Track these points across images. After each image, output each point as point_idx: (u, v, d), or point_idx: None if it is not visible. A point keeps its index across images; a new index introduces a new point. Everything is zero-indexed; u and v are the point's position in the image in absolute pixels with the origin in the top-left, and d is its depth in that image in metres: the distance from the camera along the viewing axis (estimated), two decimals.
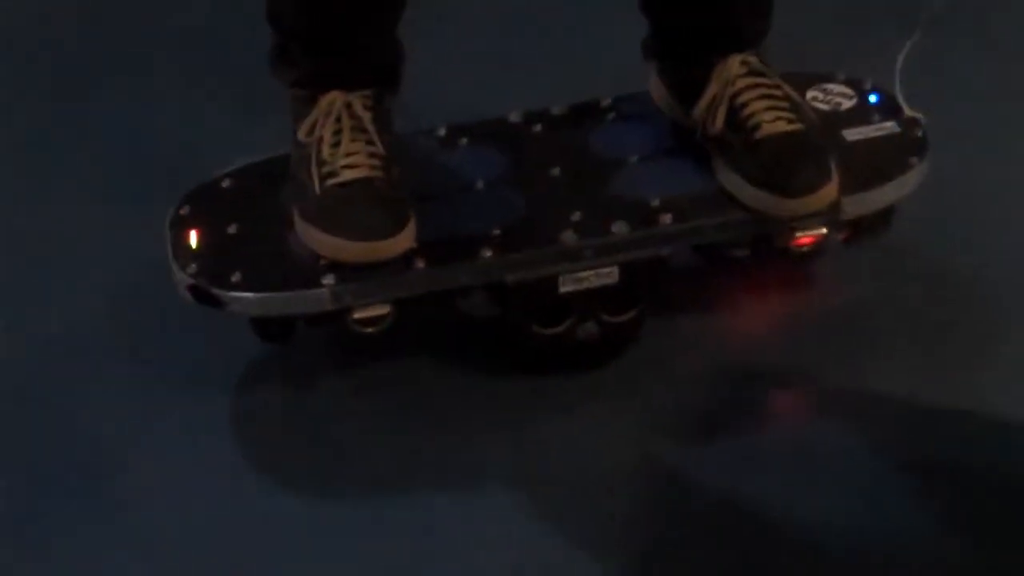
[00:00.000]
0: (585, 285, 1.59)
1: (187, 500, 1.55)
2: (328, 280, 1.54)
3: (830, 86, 1.75)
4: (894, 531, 1.48)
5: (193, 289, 1.56)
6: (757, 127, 1.61)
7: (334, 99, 1.60)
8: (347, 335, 1.58)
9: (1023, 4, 2.18)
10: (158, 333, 1.72)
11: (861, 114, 1.72)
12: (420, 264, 1.56)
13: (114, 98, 2.07)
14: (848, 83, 1.76)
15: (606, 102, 1.77)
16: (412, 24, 1.64)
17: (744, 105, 1.62)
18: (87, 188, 1.92)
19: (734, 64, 1.64)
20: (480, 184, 1.66)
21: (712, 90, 1.65)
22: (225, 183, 1.68)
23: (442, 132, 1.74)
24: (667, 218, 1.60)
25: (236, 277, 1.55)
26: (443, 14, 2.08)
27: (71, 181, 1.94)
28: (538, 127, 1.74)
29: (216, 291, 1.55)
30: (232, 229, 1.61)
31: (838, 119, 1.71)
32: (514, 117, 1.76)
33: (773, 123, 1.61)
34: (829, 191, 1.60)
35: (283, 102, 1.65)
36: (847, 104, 1.74)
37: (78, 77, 2.12)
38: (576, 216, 1.61)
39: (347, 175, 1.56)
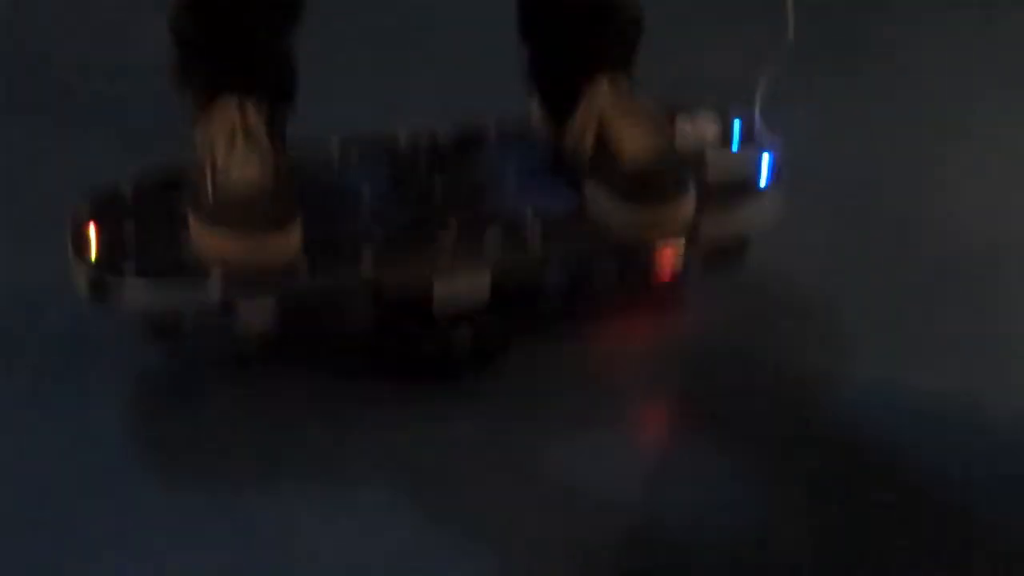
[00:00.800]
0: (457, 290, 1.70)
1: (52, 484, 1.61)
2: (215, 274, 1.64)
3: (696, 112, 1.87)
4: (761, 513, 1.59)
5: (90, 283, 1.66)
6: (621, 145, 1.73)
7: (228, 105, 1.71)
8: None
9: (885, 35, 2.35)
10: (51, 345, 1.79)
11: (724, 141, 1.85)
12: (302, 266, 1.66)
13: None
14: (713, 111, 1.88)
15: (489, 125, 1.90)
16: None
17: (611, 125, 1.75)
18: None
19: (603, 86, 1.77)
20: (365, 197, 1.78)
21: (582, 111, 1.77)
22: (125, 188, 1.78)
23: (333, 146, 1.86)
24: (537, 231, 1.72)
25: (129, 268, 1.65)
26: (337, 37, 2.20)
27: None
28: (423, 146, 1.87)
29: (109, 279, 1.65)
30: (129, 228, 1.71)
31: (702, 144, 1.83)
32: (401, 136, 1.88)
33: (636, 141, 1.73)
34: (686, 204, 1.72)
35: None
36: (712, 131, 1.86)
37: None
38: (451, 228, 1.72)
39: (239, 179, 1.65)
